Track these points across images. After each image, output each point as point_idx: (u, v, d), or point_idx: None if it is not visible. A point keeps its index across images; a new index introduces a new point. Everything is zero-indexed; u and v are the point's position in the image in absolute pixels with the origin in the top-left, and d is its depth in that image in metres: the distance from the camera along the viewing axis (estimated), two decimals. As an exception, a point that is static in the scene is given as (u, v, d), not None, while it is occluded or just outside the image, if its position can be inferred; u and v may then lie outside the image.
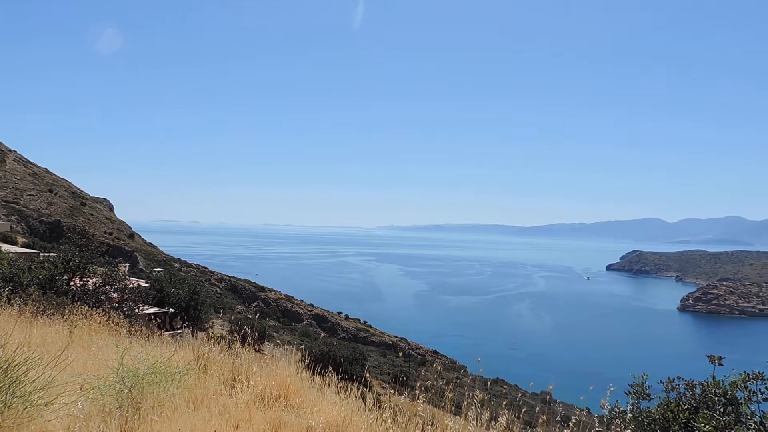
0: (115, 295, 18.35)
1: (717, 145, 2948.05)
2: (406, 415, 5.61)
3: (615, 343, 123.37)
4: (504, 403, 5.70)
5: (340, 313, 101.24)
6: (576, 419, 5.55)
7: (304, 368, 7.59)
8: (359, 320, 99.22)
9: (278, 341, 38.68)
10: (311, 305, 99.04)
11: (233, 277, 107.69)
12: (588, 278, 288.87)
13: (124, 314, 15.11)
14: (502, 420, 6.29)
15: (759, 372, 6.12)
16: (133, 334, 9.94)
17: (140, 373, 5.58)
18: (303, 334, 66.64)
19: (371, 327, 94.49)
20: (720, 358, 6.67)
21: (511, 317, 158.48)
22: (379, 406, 6.00)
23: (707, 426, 6.11)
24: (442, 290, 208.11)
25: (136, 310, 19.02)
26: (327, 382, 6.92)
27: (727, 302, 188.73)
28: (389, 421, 5.42)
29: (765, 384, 6.12)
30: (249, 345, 10.26)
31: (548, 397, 6.63)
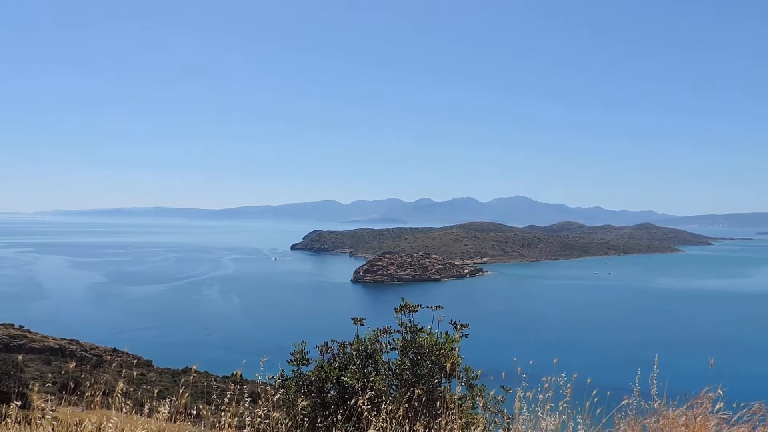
0: None
1: (378, 133, 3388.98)
2: (42, 426, 4.89)
3: (299, 316, 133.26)
4: (156, 390, 5.51)
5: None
6: (231, 393, 5.75)
7: None
8: (13, 325, 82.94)
9: None
10: (-61, 314, 78.05)
11: None
12: (275, 258, 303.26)
13: None
14: (163, 409, 6.09)
15: (387, 327, 7.40)
16: None
17: None
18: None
19: (30, 332, 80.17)
20: (361, 319, 7.79)
21: (202, 302, 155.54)
22: (7, 422, 5.09)
23: (351, 379, 7.12)
24: (122, 281, 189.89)
25: None
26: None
27: (389, 272, 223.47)
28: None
29: (392, 337, 7.45)
30: None
31: (192, 373, 6.70)
